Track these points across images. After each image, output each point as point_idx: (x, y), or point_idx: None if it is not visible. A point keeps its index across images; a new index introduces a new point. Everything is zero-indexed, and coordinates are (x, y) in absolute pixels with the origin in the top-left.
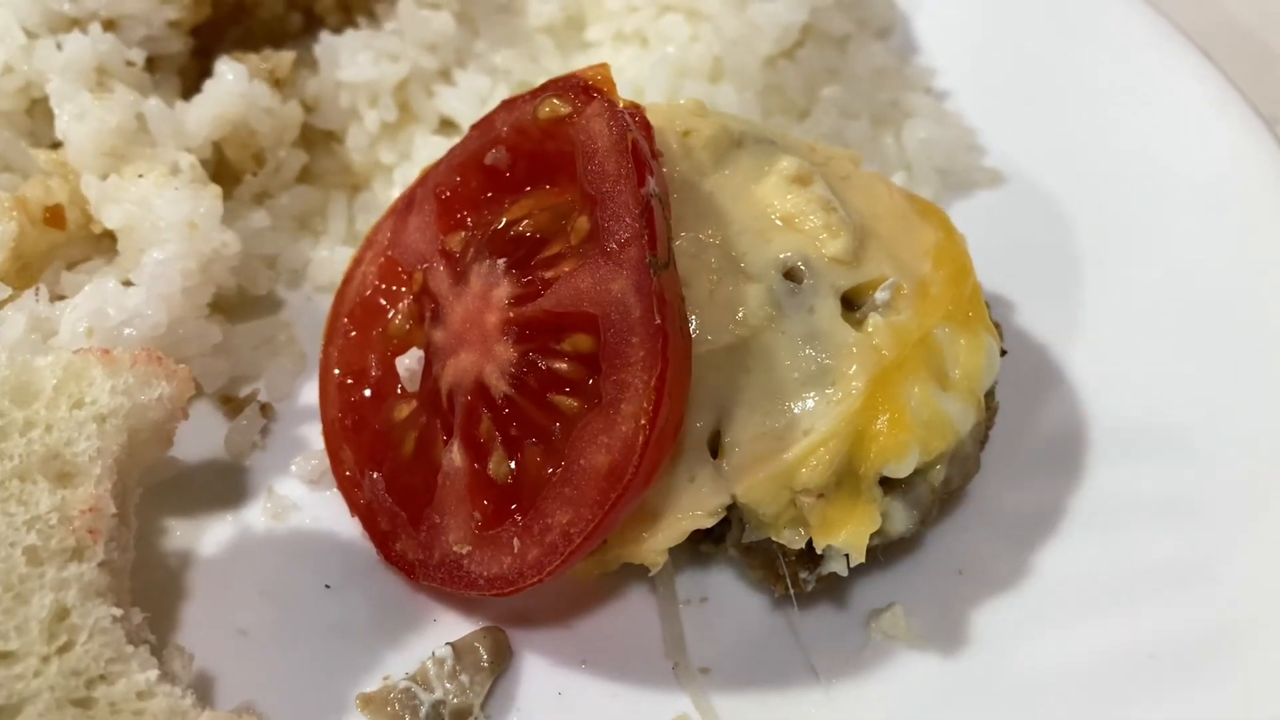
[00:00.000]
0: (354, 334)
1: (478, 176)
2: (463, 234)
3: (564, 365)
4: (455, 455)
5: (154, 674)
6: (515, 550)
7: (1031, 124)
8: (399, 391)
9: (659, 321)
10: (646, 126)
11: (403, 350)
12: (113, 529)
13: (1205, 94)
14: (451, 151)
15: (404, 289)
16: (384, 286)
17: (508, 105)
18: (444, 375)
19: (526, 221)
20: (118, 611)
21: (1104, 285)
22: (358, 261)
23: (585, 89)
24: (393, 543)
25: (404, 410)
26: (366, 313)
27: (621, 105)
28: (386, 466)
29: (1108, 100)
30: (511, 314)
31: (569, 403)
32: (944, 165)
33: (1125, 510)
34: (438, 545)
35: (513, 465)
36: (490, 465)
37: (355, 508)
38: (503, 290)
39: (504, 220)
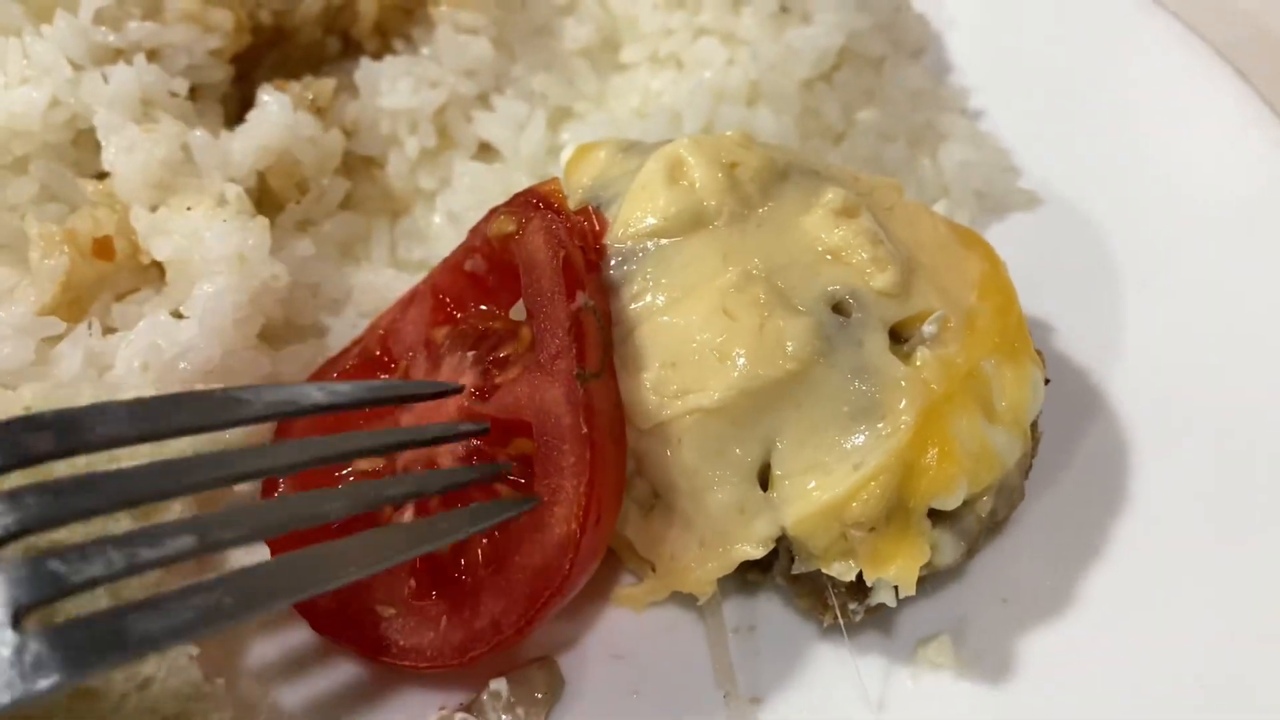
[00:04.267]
0: None
1: (462, 280)
2: (446, 329)
3: (509, 464)
4: (406, 519)
5: (228, 715)
6: (441, 628)
7: (1067, 145)
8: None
9: (585, 431)
10: (592, 234)
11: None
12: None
13: (1241, 113)
14: (452, 253)
15: (387, 375)
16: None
17: (485, 220)
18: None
19: (491, 324)
20: (194, 650)
21: (1144, 307)
22: (357, 341)
23: (533, 204)
24: None
25: (364, 469)
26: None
27: (570, 213)
28: None
29: (1143, 120)
30: (468, 405)
31: (512, 495)
32: (981, 188)
33: (1172, 535)
34: (355, 599)
35: (471, 549)
36: None
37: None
38: (466, 381)
39: (472, 320)
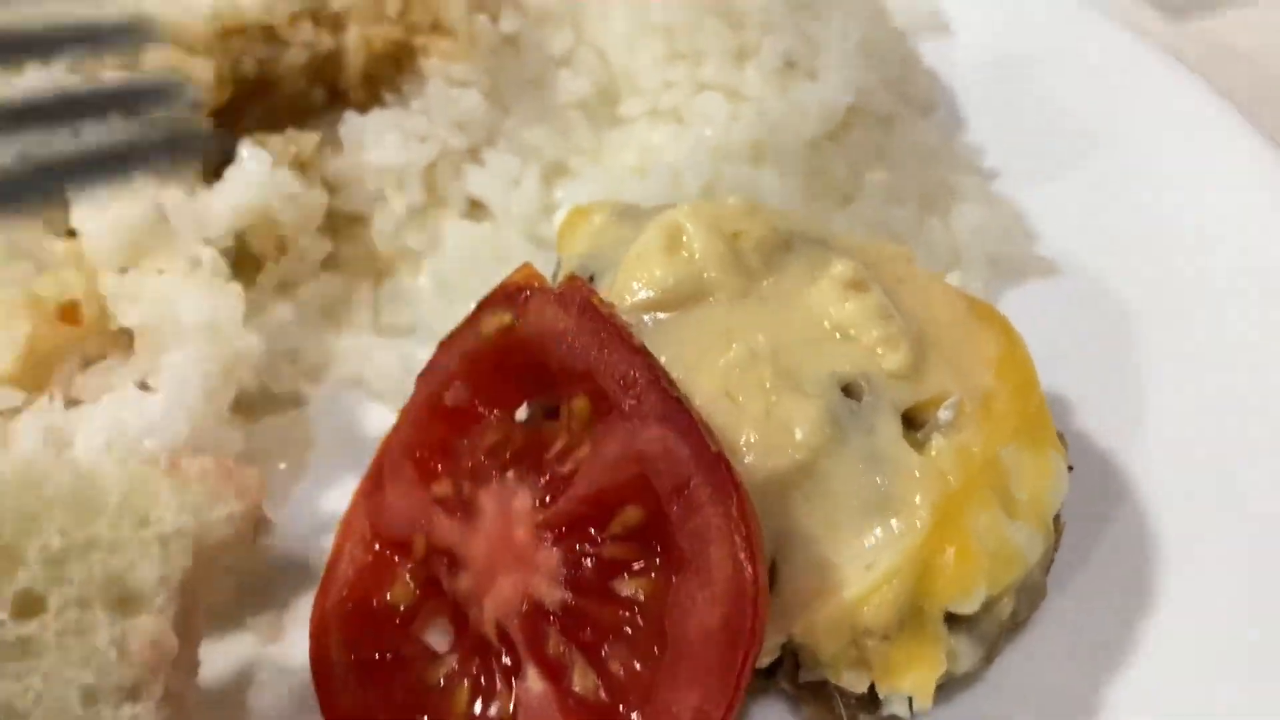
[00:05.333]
0: (353, 627)
1: (442, 423)
2: (448, 480)
3: (617, 547)
4: (532, 682)
5: None
6: None
7: (1086, 208)
8: (426, 655)
9: (715, 449)
10: (593, 293)
11: (413, 619)
12: (174, 657)
13: (1264, 176)
14: (403, 412)
15: (398, 568)
16: (375, 576)
17: (445, 346)
18: (485, 615)
19: (515, 433)
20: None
21: (1172, 382)
22: (338, 555)
23: (515, 293)
24: None
25: (442, 668)
26: (363, 606)
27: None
28: None
29: (1169, 182)
30: (541, 517)
31: (637, 583)
32: (995, 253)
33: (1203, 633)
34: None
35: (615, 667)
36: (574, 680)
37: None
38: (522, 500)
39: (490, 442)
